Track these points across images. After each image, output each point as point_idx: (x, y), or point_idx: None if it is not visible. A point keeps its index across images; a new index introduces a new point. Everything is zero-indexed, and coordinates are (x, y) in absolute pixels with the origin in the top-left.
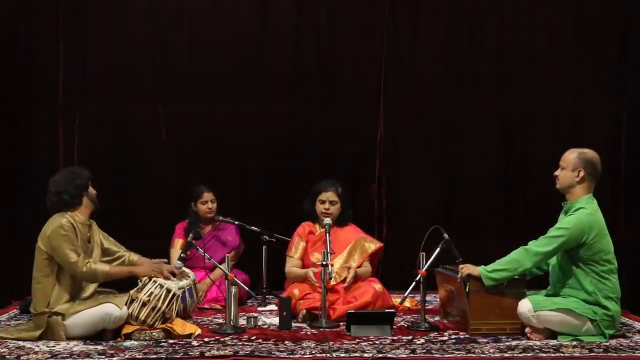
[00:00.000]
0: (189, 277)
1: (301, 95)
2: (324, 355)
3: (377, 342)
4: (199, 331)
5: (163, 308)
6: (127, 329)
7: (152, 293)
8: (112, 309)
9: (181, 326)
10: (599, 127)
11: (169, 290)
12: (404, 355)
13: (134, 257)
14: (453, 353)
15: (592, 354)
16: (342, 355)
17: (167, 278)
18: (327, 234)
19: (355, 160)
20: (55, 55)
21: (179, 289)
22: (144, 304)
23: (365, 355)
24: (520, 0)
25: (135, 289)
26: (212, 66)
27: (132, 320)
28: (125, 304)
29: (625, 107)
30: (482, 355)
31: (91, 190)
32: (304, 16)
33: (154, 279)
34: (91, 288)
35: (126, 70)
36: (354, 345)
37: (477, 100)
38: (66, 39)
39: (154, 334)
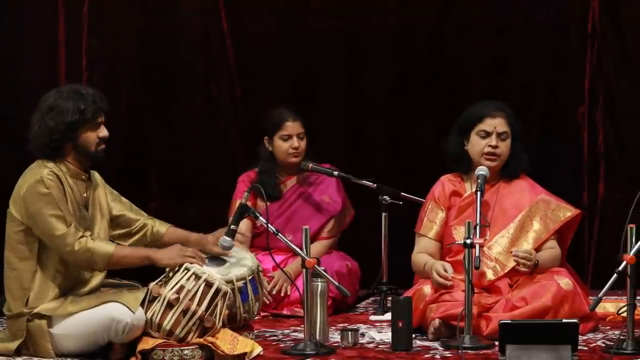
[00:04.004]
0: (247, 264)
1: None
2: None
3: None
4: (258, 350)
5: (200, 312)
6: (145, 344)
7: (182, 287)
8: (119, 311)
9: (230, 341)
10: None
11: (209, 284)
12: None
13: (162, 227)
14: None
15: None
16: None
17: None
18: (479, 193)
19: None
20: None
21: (227, 282)
22: (170, 305)
23: None
24: None
25: (157, 280)
26: None
27: (153, 330)
28: (142, 305)
29: None
30: None
31: (88, 136)
32: None
33: (186, 265)
34: (97, 278)
35: None
36: None
37: None
38: None
39: (186, 352)
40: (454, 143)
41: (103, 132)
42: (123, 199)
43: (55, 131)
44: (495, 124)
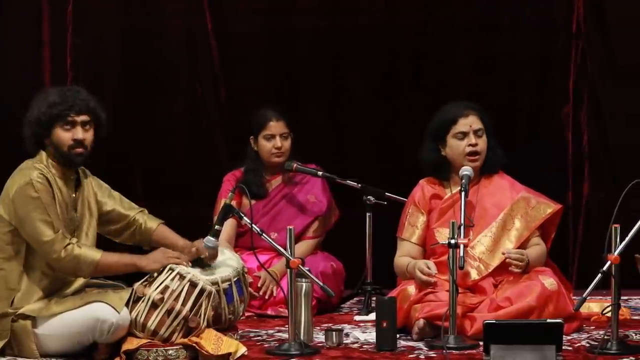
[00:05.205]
0: (232, 265)
1: None
2: None
3: None
4: (243, 350)
5: (185, 312)
6: (130, 344)
7: (167, 287)
8: (104, 311)
9: (214, 341)
10: None
11: (193, 284)
12: None
13: (152, 223)
14: None
15: None
16: None
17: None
18: (464, 193)
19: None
20: None
21: (212, 283)
22: (154, 305)
23: None
24: None
25: (142, 281)
26: None
27: (137, 331)
28: (127, 305)
29: None
30: None
31: (60, 134)
32: None
33: (170, 265)
34: (81, 279)
35: None
36: None
37: None
38: None
39: (170, 352)
40: (430, 150)
41: (78, 134)
42: (113, 192)
43: (34, 123)
44: (470, 122)
